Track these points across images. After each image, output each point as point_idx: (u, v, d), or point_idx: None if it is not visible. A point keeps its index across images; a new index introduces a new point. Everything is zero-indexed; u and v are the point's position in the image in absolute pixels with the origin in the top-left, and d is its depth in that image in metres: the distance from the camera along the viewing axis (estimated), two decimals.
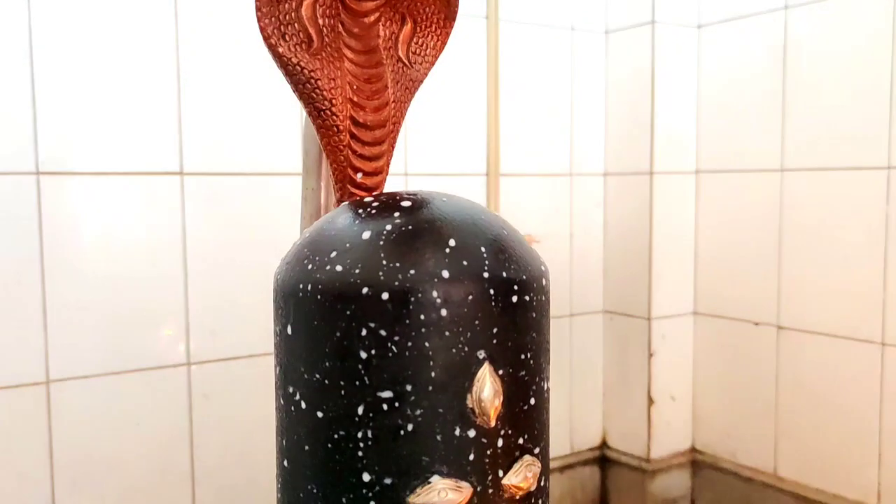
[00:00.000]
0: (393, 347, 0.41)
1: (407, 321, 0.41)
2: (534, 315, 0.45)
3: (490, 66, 1.58)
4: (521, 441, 0.44)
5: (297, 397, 0.44)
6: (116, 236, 1.23)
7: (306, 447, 0.43)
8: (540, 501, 0.46)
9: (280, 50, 0.51)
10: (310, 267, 0.43)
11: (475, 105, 1.57)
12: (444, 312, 0.41)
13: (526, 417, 0.45)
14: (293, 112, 1.34)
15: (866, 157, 1.42)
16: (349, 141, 0.54)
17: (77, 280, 1.20)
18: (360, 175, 0.54)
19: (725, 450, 1.72)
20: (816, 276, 1.51)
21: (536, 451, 0.45)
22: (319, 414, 0.43)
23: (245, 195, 1.32)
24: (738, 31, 1.62)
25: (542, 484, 0.46)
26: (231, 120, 1.30)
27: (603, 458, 1.81)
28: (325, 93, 0.52)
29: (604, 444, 1.83)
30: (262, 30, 0.51)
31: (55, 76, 1.16)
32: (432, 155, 1.52)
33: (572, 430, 1.79)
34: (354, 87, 0.54)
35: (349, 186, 0.54)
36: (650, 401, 1.73)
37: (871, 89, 1.40)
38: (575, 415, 1.79)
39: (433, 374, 0.41)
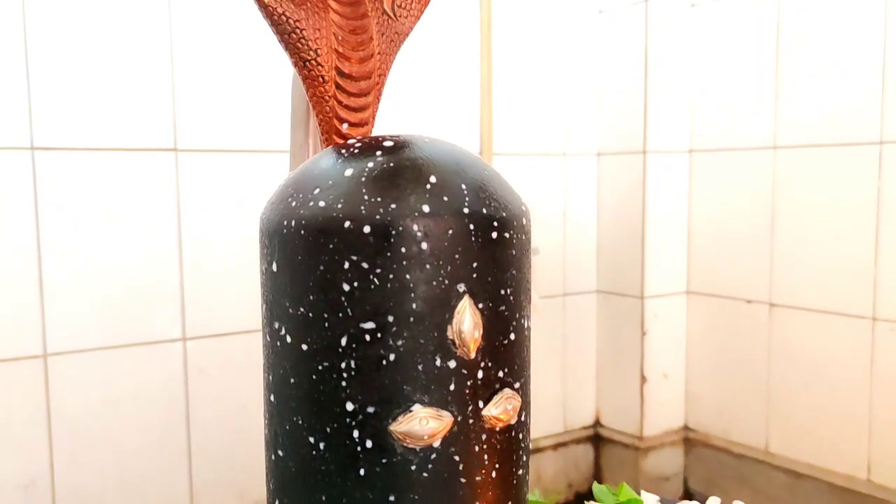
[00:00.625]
0: (375, 280, 0.42)
1: (388, 254, 0.42)
2: (514, 253, 0.46)
3: (483, 45, 1.59)
4: (500, 374, 0.45)
5: (283, 332, 0.45)
6: (112, 212, 1.24)
7: (292, 380, 0.45)
8: (521, 435, 0.48)
9: (265, 0, 0.52)
10: (293, 204, 0.44)
11: (468, 84, 1.58)
12: (424, 246, 0.42)
13: (506, 352, 0.46)
14: (285, 89, 1.35)
15: (858, 132, 1.43)
16: (334, 91, 0.54)
17: (73, 255, 1.21)
18: (345, 126, 0.55)
19: (718, 427, 1.73)
20: (808, 253, 1.53)
21: (517, 385, 0.47)
22: (304, 347, 0.44)
23: (239, 171, 1.33)
24: (732, 9, 1.62)
25: (523, 419, 0.48)
26: (224, 97, 1.31)
27: (596, 437, 1.83)
28: (310, 42, 0.53)
29: (597, 423, 1.84)
30: None
31: (49, 51, 1.17)
32: (425, 134, 1.53)
33: (566, 409, 1.80)
34: (339, 37, 0.55)
35: (335, 137, 0.55)
36: (643, 379, 1.75)
37: (863, 65, 1.41)
38: (568, 394, 1.80)
39: (414, 305, 0.42)
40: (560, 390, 1.79)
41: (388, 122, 1.51)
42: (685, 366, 1.79)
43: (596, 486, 0.73)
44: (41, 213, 1.18)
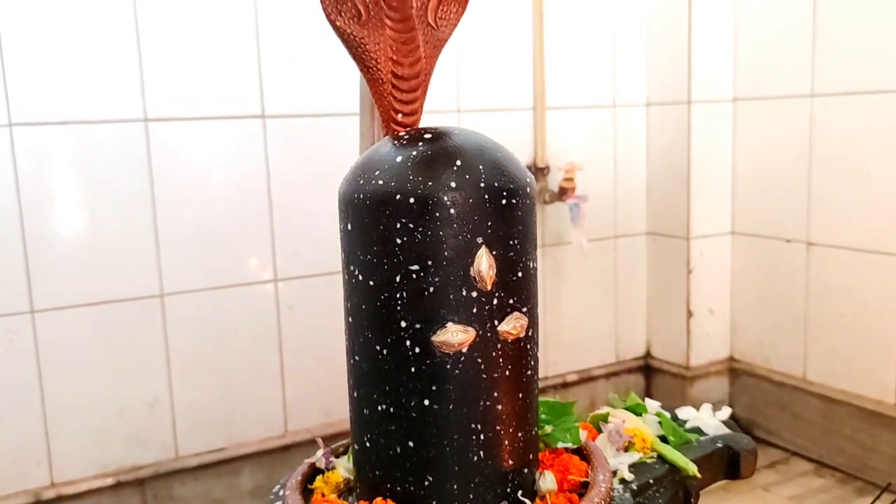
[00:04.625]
0: (418, 235, 0.60)
1: (427, 217, 0.60)
2: (520, 213, 0.63)
3: (535, 4, 1.71)
4: (511, 301, 0.63)
5: (356, 273, 0.63)
6: (212, 172, 1.45)
7: (363, 306, 0.63)
8: (528, 346, 0.65)
9: (338, 24, 0.70)
10: (361, 182, 0.62)
11: (521, 42, 1.71)
12: (452, 211, 0.60)
13: (515, 285, 0.63)
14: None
15: (889, 81, 1.52)
16: (391, 90, 0.72)
17: (181, 211, 1.43)
18: (399, 115, 0.72)
19: (759, 357, 1.87)
20: (844, 195, 1.63)
21: (524, 309, 0.64)
22: (371, 283, 0.62)
23: (317, 133, 1.52)
24: None
25: (530, 334, 0.65)
26: (304, 69, 1.49)
27: (647, 367, 1.99)
28: (371, 54, 0.70)
29: (647, 354, 2.00)
30: (323, 9, 0.70)
31: (158, 35, 1.36)
32: (482, 92, 1.68)
33: (618, 342, 1.97)
34: (394, 48, 0.71)
35: (392, 124, 0.72)
36: (689, 314, 1.89)
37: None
38: (620, 328, 1.97)
39: (446, 253, 0.60)
40: (612, 325, 1.96)
41: (448, 87, 1.66)
42: (730, 301, 1.92)
43: (610, 395, 0.90)
44: (154, 176, 1.40)
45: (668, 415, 0.84)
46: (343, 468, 0.73)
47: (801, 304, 1.75)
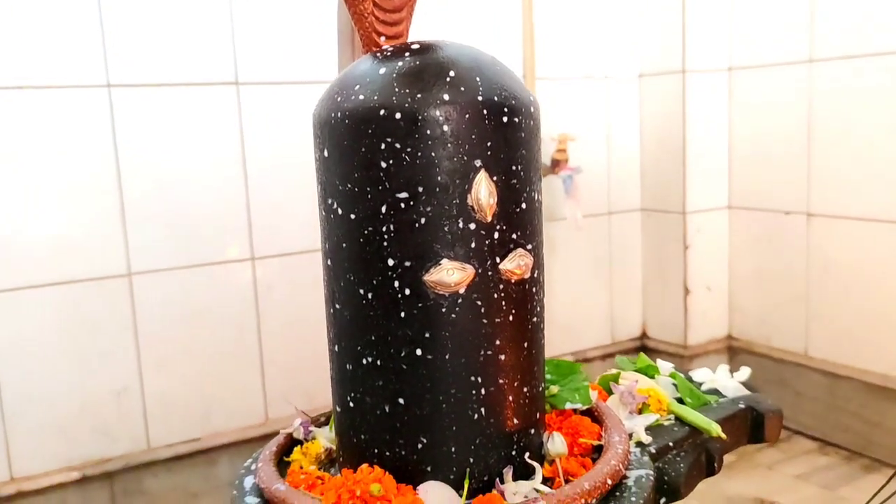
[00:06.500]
0: (406, 157, 0.51)
1: (416, 136, 0.51)
2: (523, 135, 0.55)
3: None
4: (514, 236, 0.55)
5: (335, 206, 0.55)
6: (183, 144, 1.35)
7: (343, 245, 0.55)
8: (534, 289, 0.57)
9: None
10: (338, 99, 0.54)
11: (510, 10, 1.64)
12: (445, 128, 0.51)
13: (518, 218, 0.55)
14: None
15: (888, 42, 1.45)
16: (372, 8, 0.63)
17: (150, 185, 1.33)
18: (382, 38, 0.64)
19: (760, 335, 1.80)
20: (843, 163, 1.56)
21: (529, 247, 0.56)
22: (352, 216, 0.54)
23: (296, 102, 1.43)
24: None
25: (536, 276, 0.57)
26: (281, 32, 1.40)
27: (643, 348, 1.92)
28: None
29: (644, 335, 1.93)
30: None
31: None
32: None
33: (613, 323, 1.89)
34: None
35: (374, 49, 0.64)
36: (686, 291, 1.82)
37: None
38: (616, 308, 1.89)
39: (439, 178, 0.52)
40: (607, 305, 1.88)
41: (413, 13, 1.57)
42: (727, 277, 1.85)
43: (618, 358, 0.82)
44: (119, 147, 1.30)
45: (683, 376, 0.76)
46: (324, 438, 0.65)
47: (802, 278, 1.68)
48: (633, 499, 0.54)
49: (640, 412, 0.69)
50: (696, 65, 1.74)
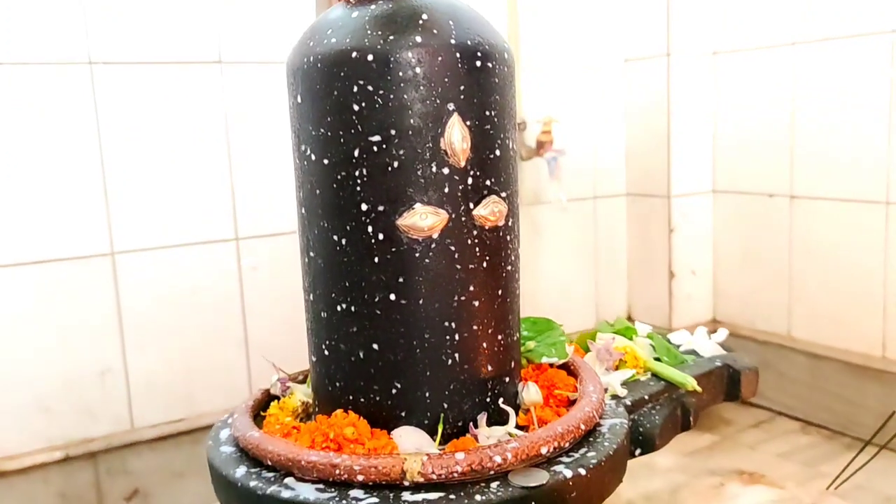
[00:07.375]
0: (378, 100, 0.52)
1: (388, 77, 0.51)
2: (496, 81, 0.55)
3: None
4: (488, 182, 0.55)
5: (308, 152, 0.55)
6: (166, 122, 1.35)
7: (317, 191, 0.55)
8: (509, 237, 0.57)
9: None
10: (311, 44, 0.54)
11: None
12: (418, 70, 0.51)
13: (492, 164, 0.55)
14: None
15: (870, 23, 1.46)
16: None
17: (132, 161, 1.33)
18: None
19: (743, 318, 1.81)
20: (826, 145, 1.57)
21: (503, 194, 0.56)
22: (325, 161, 0.54)
23: (280, 81, 1.43)
24: None
25: (510, 223, 0.57)
26: (265, 13, 1.40)
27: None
28: None
29: (629, 318, 1.93)
30: None
31: None
32: None
33: (598, 306, 1.90)
34: None
35: None
36: (671, 275, 1.83)
37: None
38: (601, 292, 1.90)
39: (412, 121, 0.52)
40: (592, 288, 1.88)
41: None
42: (712, 261, 1.86)
43: (598, 323, 0.82)
44: (101, 123, 1.30)
45: (660, 337, 0.77)
46: (301, 393, 0.65)
47: (785, 261, 1.69)
48: (606, 444, 0.54)
49: (616, 369, 0.69)
50: (680, 48, 1.74)
